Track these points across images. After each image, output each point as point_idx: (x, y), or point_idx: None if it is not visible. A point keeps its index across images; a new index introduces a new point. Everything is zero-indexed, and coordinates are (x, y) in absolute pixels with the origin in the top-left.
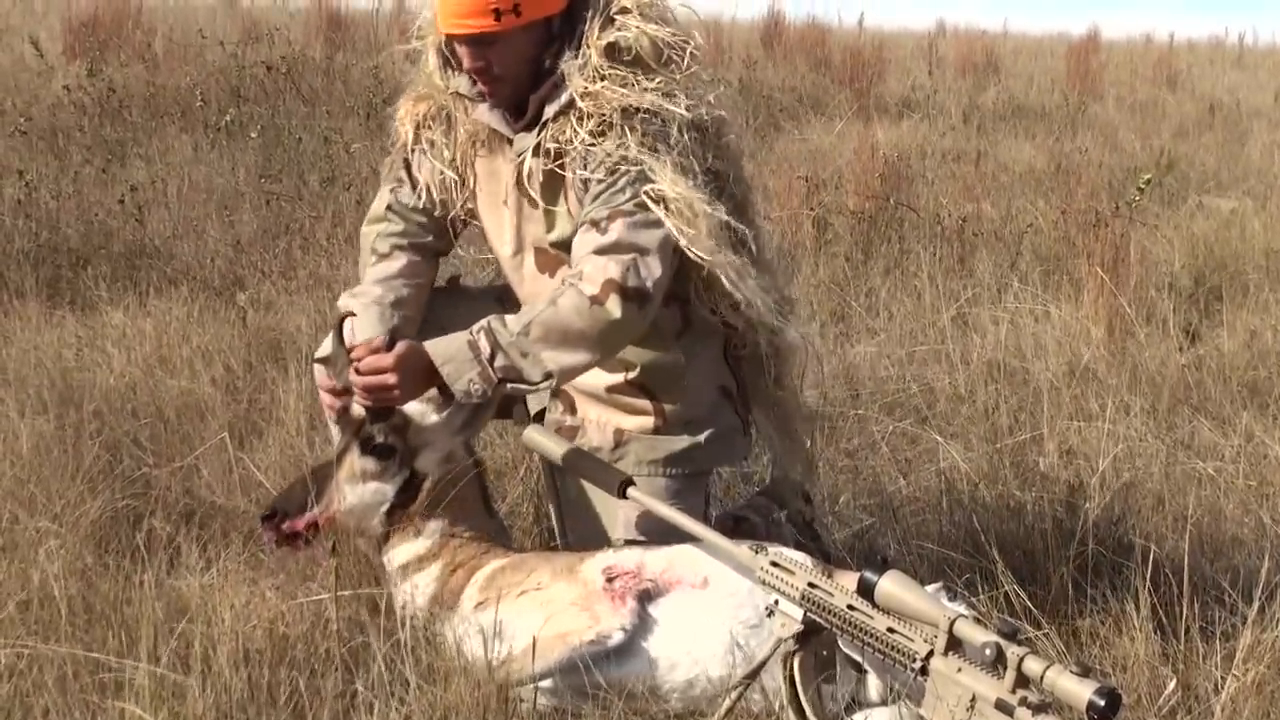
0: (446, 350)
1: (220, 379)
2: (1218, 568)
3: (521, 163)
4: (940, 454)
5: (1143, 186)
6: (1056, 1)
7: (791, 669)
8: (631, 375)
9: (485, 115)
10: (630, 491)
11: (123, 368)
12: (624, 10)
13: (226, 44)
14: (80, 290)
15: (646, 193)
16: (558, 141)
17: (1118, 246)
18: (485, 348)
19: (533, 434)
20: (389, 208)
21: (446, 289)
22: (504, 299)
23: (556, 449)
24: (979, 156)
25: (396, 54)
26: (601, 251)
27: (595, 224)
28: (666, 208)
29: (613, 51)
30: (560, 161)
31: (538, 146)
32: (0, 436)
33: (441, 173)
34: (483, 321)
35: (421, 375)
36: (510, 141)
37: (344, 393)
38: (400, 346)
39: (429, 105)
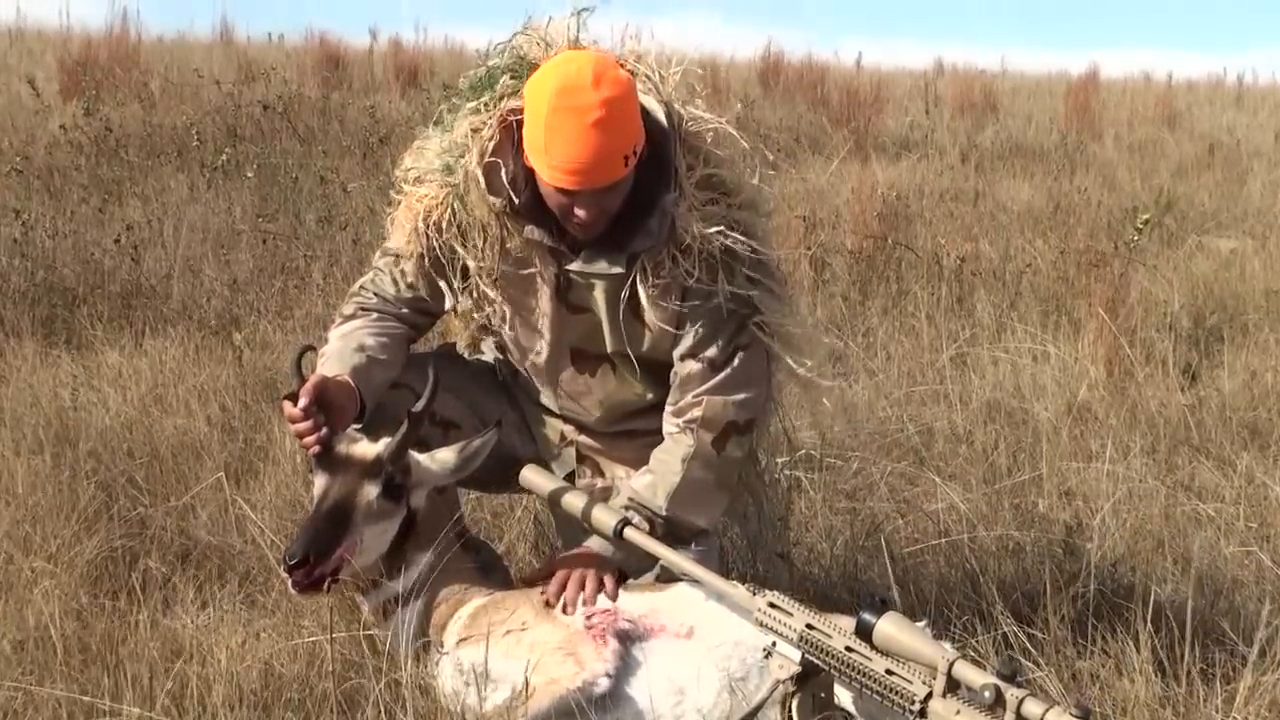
0: (609, 544)
1: (216, 418)
2: (1219, 609)
3: (590, 285)
4: (939, 495)
5: (1141, 226)
6: (1055, 41)
7: (790, 711)
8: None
9: (536, 234)
10: (627, 532)
11: (118, 407)
12: (697, 135)
13: (223, 83)
14: (76, 329)
15: (757, 324)
16: (657, 274)
17: (1117, 286)
18: (643, 526)
19: (529, 474)
20: (363, 285)
21: (444, 353)
22: (495, 370)
23: (552, 489)
24: (977, 196)
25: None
26: (717, 391)
27: (710, 362)
28: (776, 338)
29: (706, 182)
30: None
31: (632, 278)
32: None
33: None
34: (620, 502)
35: (339, 406)
36: (554, 255)
37: (314, 430)
38: (306, 388)
39: (446, 210)
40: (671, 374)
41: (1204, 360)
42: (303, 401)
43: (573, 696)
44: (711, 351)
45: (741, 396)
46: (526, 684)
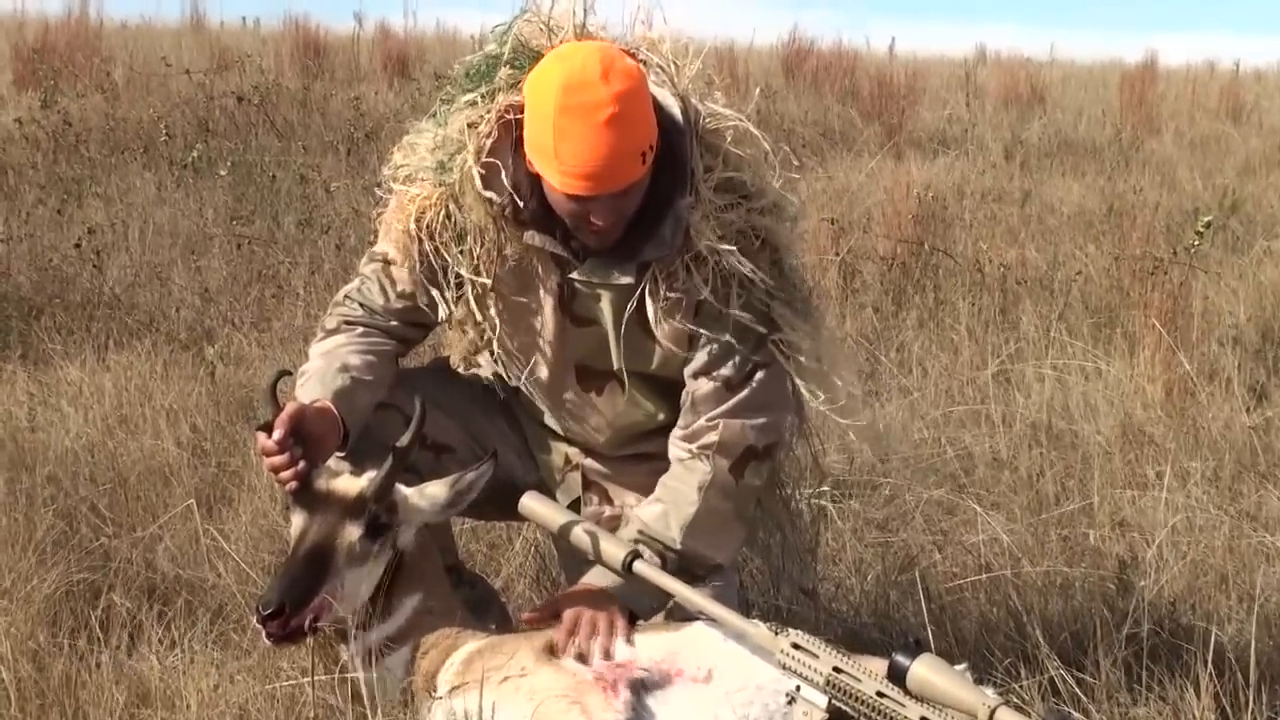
0: (615, 578)
1: (186, 440)
2: None
3: (597, 295)
4: (979, 525)
5: (1203, 230)
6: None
7: None
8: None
9: (538, 239)
10: (637, 566)
11: (79, 428)
12: (715, 134)
13: (193, 73)
14: (32, 343)
15: (775, 342)
16: (670, 286)
17: (1176, 296)
18: (654, 561)
19: (530, 502)
20: (348, 295)
21: (438, 370)
22: (494, 389)
23: (555, 519)
24: (1023, 197)
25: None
26: (734, 414)
27: (726, 382)
28: (796, 358)
29: (725, 185)
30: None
31: (642, 289)
32: None
33: (463, 294)
34: (629, 535)
35: (318, 435)
36: (557, 263)
37: (290, 464)
38: (282, 418)
39: (440, 211)
40: (683, 394)
41: (1272, 378)
42: (278, 433)
43: None
44: (727, 370)
45: (761, 420)
46: None
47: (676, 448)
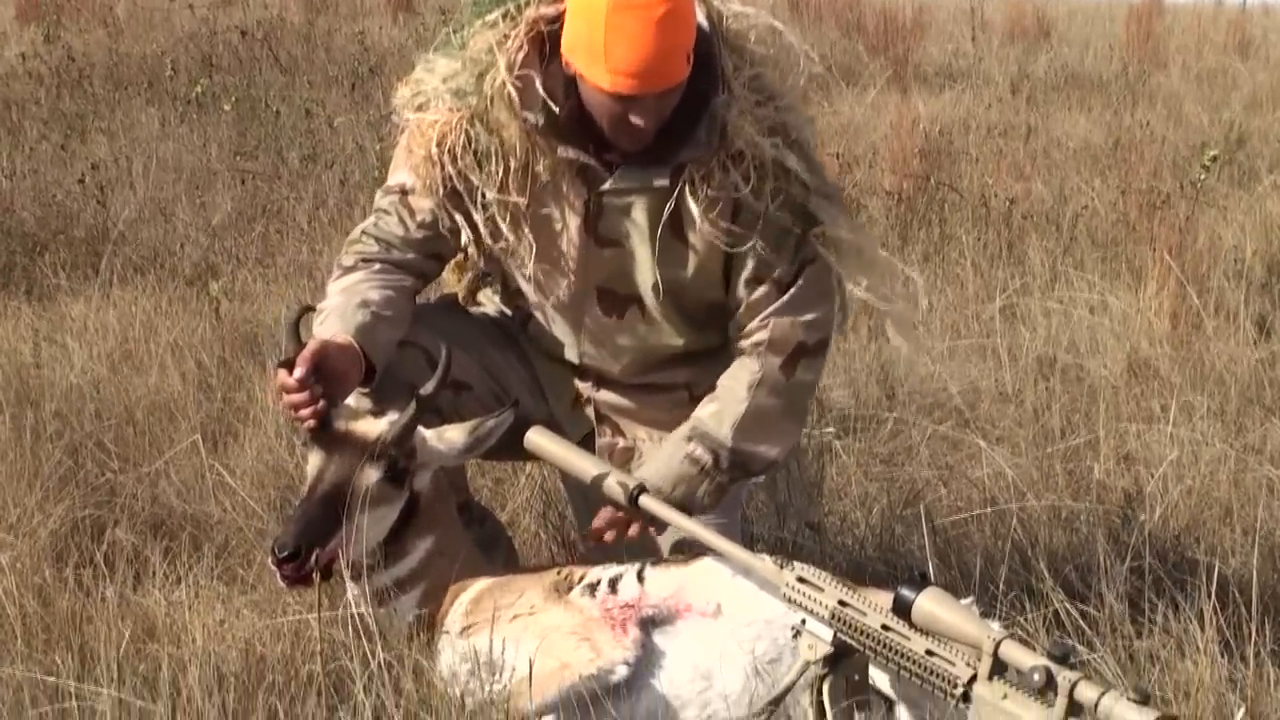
0: (668, 472)
1: (191, 376)
2: None
3: (627, 208)
4: (984, 459)
5: (1210, 164)
6: None
7: (820, 695)
8: (698, 392)
9: (572, 153)
10: (643, 500)
11: (85, 364)
12: (739, 34)
13: (197, 7)
14: (37, 279)
15: (816, 235)
16: (708, 186)
17: (1183, 230)
18: (706, 458)
19: (535, 437)
20: (365, 231)
21: (450, 305)
22: (503, 324)
23: (561, 453)
24: (1029, 131)
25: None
26: (784, 311)
27: (777, 282)
28: (837, 251)
29: (754, 84)
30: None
31: (679, 190)
32: None
33: (491, 216)
34: (682, 432)
35: (340, 372)
36: (586, 180)
37: (310, 403)
38: (304, 355)
39: (460, 135)
40: (735, 302)
41: (1278, 312)
42: (299, 371)
43: (585, 685)
44: (778, 271)
45: (810, 316)
46: (532, 668)
47: (735, 343)
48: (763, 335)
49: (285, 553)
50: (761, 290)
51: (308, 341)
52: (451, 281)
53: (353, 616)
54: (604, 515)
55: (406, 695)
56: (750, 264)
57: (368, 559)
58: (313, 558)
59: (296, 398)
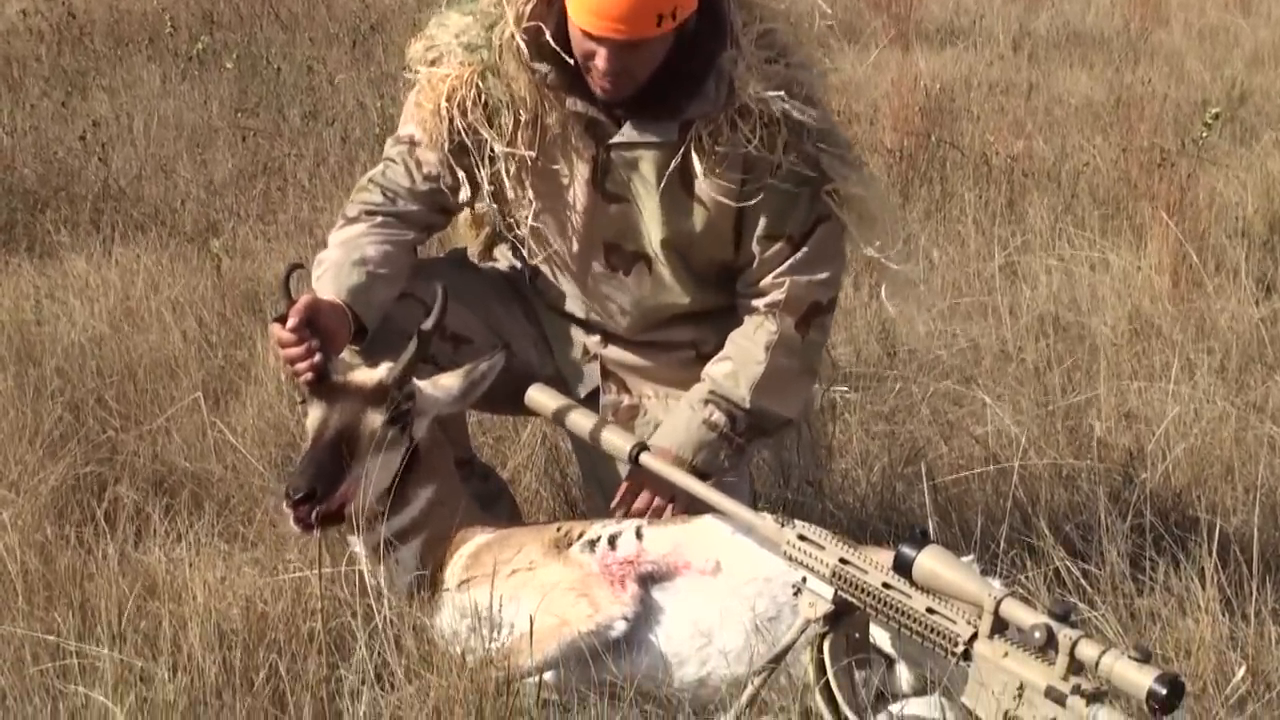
0: (688, 439)
1: (193, 334)
2: None
3: (635, 162)
4: (986, 417)
5: (1212, 121)
6: None
7: (821, 653)
8: (705, 349)
9: (580, 106)
10: (644, 458)
11: (86, 321)
12: None
13: None
14: (38, 236)
15: (829, 192)
16: (715, 142)
17: (1184, 188)
18: (723, 421)
19: (536, 394)
20: (371, 179)
21: (455, 260)
22: (512, 279)
23: (562, 411)
24: (1030, 89)
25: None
26: (799, 270)
27: (791, 239)
28: (849, 208)
29: (764, 40)
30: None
31: (686, 146)
32: None
33: (497, 171)
34: (699, 394)
35: (332, 328)
36: (594, 134)
37: (306, 356)
38: (297, 308)
39: (471, 90)
40: (747, 255)
41: (1279, 269)
42: (292, 322)
43: (584, 640)
44: (791, 228)
45: (824, 275)
46: (532, 624)
47: (744, 301)
48: (778, 295)
49: (300, 495)
50: (775, 248)
51: (299, 297)
52: (468, 237)
53: (355, 574)
54: (626, 491)
55: (408, 653)
56: (763, 220)
57: (372, 509)
58: (326, 501)
59: (293, 351)
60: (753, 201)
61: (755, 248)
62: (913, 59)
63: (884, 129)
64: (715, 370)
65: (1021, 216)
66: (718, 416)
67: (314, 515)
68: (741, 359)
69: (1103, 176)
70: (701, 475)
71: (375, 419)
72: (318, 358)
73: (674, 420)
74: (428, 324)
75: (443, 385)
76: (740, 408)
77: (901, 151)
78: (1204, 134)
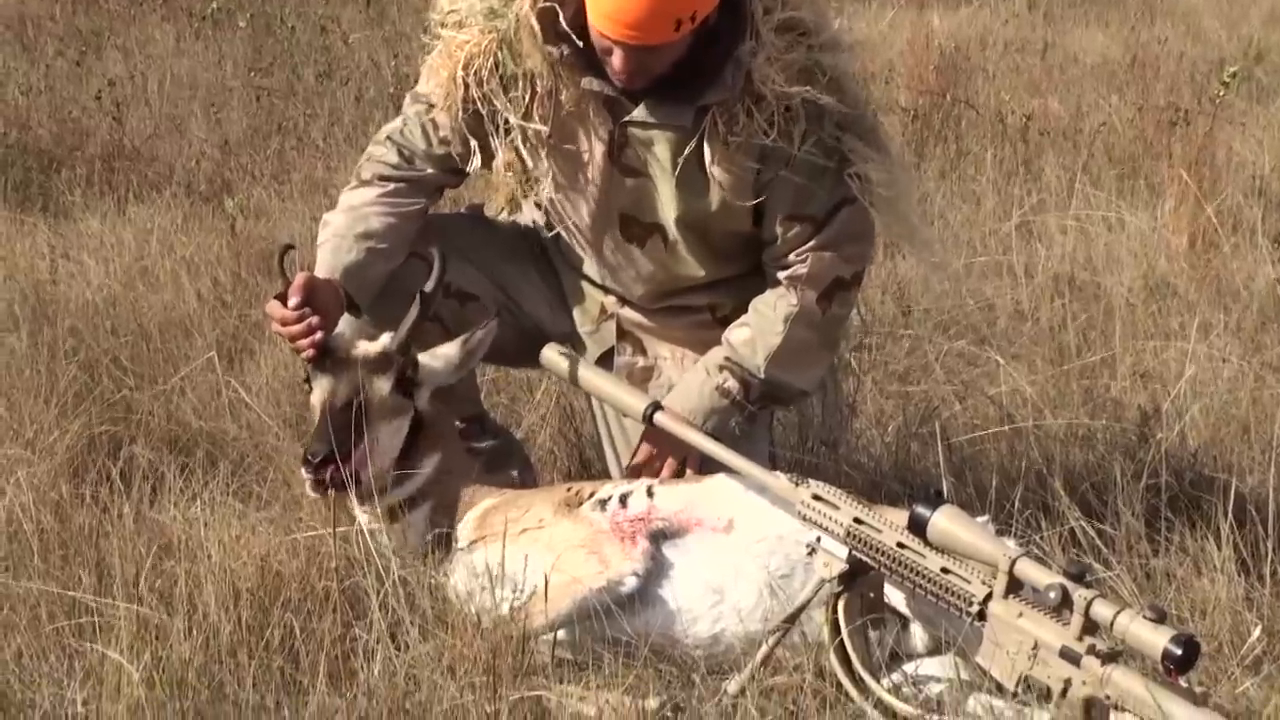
0: (699, 404)
1: (207, 293)
2: None
3: (650, 141)
4: (1000, 377)
5: (1229, 80)
6: None
7: (835, 612)
8: (722, 314)
9: (596, 85)
10: (658, 417)
11: (100, 280)
12: None
13: None
14: (53, 195)
15: (851, 175)
16: (730, 130)
17: (1201, 147)
18: (736, 389)
19: (550, 354)
20: (389, 137)
21: (469, 217)
22: (530, 236)
23: (575, 370)
24: (1046, 47)
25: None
26: (822, 247)
27: (813, 220)
28: (870, 193)
29: (785, 25)
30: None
31: (702, 132)
32: None
33: (512, 140)
34: (714, 359)
35: (328, 305)
36: (611, 110)
37: (308, 333)
38: (295, 286)
39: (488, 59)
40: (770, 234)
41: None
42: (294, 300)
43: (596, 597)
44: (812, 209)
45: (848, 252)
46: (546, 583)
47: (769, 269)
48: (800, 269)
49: (319, 458)
50: (797, 228)
51: (294, 276)
52: (496, 184)
53: (370, 534)
54: (643, 453)
55: (421, 612)
56: (784, 203)
57: (387, 474)
58: (345, 463)
59: (295, 328)
60: (771, 187)
61: (778, 229)
62: (927, 18)
63: (899, 88)
64: (734, 336)
65: (1037, 176)
66: (731, 384)
67: (337, 476)
68: (760, 328)
69: (1119, 135)
70: (714, 440)
71: (383, 386)
72: (318, 335)
73: (687, 384)
74: (428, 286)
75: (442, 355)
76: (755, 377)
77: (916, 111)
78: (1221, 93)
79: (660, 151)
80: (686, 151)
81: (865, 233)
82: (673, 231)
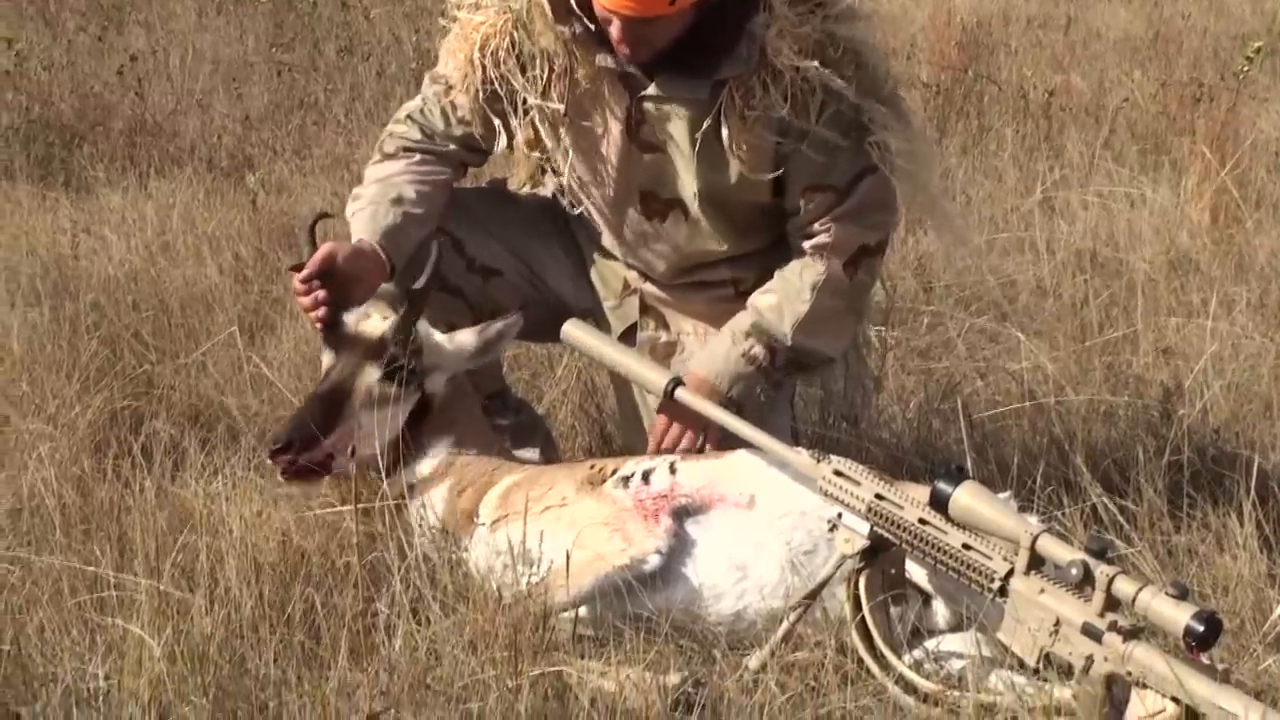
0: (725, 369)
1: (229, 268)
2: None
3: (666, 117)
4: (1022, 353)
5: (1253, 55)
6: None
7: (857, 589)
8: (744, 287)
9: (609, 62)
10: (679, 393)
11: (122, 255)
12: None
13: None
14: (75, 170)
15: (872, 143)
16: (747, 104)
17: (1224, 123)
18: (762, 355)
19: (571, 329)
20: (409, 116)
21: (492, 191)
22: (553, 210)
23: (597, 345)
24: (1068, 22)
25: None
26: (847, 216)
27: (835, 189)
28: (892, 162)
29: None
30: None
31: (718, 106)
32: None
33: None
34: (741, 325)
35: (355, 275)
36: (627, 85)
37: (315, 305)
38: (314, 259)
39: (504, 40)
40: (793, 205)
41: None
42: (305, 272)
43: (619, 575)
44: (834, 179)
45: (874, 219)
46: (568, 560)
47: (794, 238)
48: (825, 239)
49: (277, 446)
50: (819, 199)
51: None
52: (519, 160)
53: (390, 509)
54: (660, 425)
55: (443, 587)
56: (805, 174)
57: (381, 458)
58: (306, 454)
59: (304, 300)
60: (792, 159)
61: (800, 200)
62: None
63: (921, 64)
64: (760, 302)
65: (1059, 151)
66: (758, 350)
67: (294, 467)
68: (787, 295)
69: (1141, 111)
70: (736, 407)
71: (373, 373)
72: (323, 311)
73: (713, 349)
74: (419, 283)
75: (459, 341)
76: (781, 344)
77: (938, 86)
78: (1244, 68)
79: (677, 127)
80: (704, 127)
81: (888, 201)
82: (693, 206)
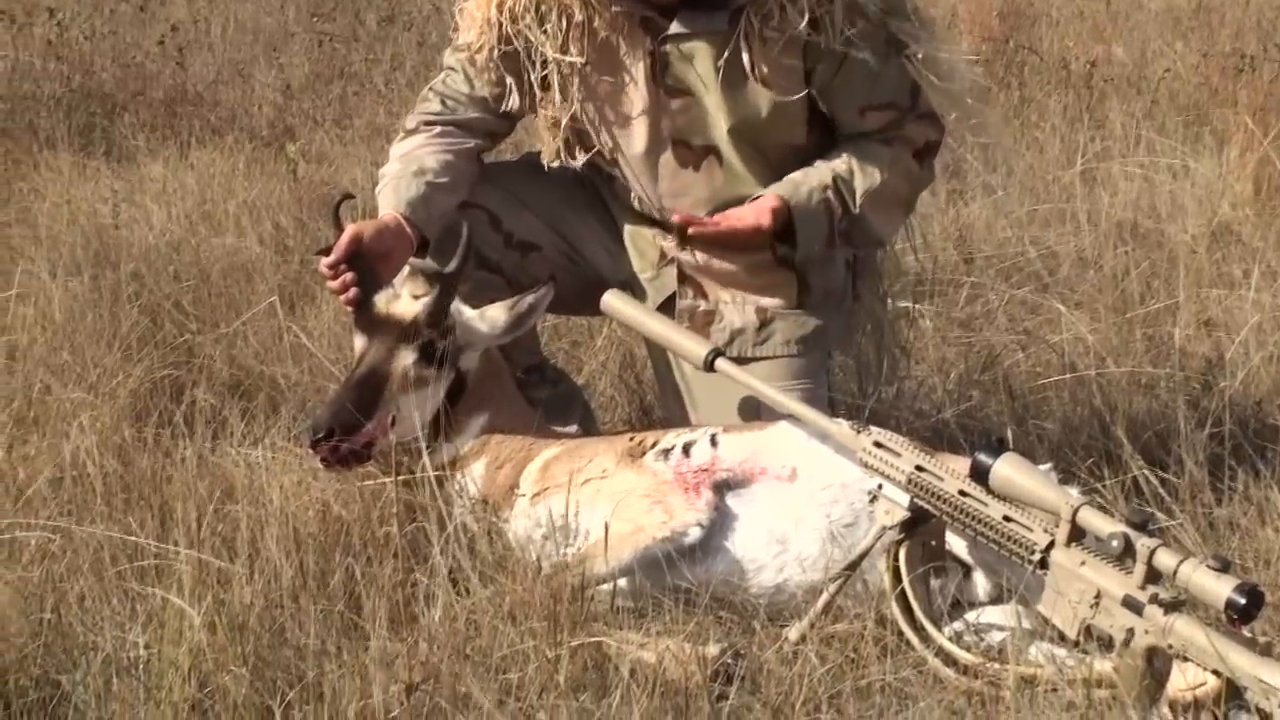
0: (805, 202)
1: (269, 237)
2: None
3: (691, 55)
4: (1063, 324)
5: None
6: None
7: (896, 560)
8: (782, 251)
9: (626, 5)
10: (719, 364)
11: (163, 225)
12: None
13: None
14: (116, 140)
15: (907, 56)
16: (766, 25)
17: (1267, 94)
18: (838, 209)
19: (611, 300)
20: (431, 89)
21: (527, 165)
22: (586, 182)
23: (636, 316)
24: None
25: None
26: (910, 124)
27: (891, 104)
28: (935, 70)
29: None
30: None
31: (739, 32)
32: (31, 300)
33: (546, 76)
34: (823, 176)
35: (384, 252)
36: (647, 29)
37: (352, 286)
38: (340, 243)
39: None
40: (849, 127)
41: None
42: (331, 257)
43: (659, 547)
44: (890, 95)
45: (934, 123)
46: (607, 531)
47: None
48: (896, 132)
49: (319, 435)
50: (878, 116)
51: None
52: (546, 139)
53: (430, 480)
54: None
55: (482, 558)
56: (857, 96)
57: (419, 440)
58: (348, 440)
59: (333, 285)
60: (835, 85)
61: (858, 119)
62: None
63: (961, 34)
64: (838, 164)
65: (1101, 123)
66: (835, 202)
67: (336, 455)
68: (866, 165)
69: (1183, 82)
70: (787, 257)
71: (408, 356)
72: (352, 293)
73: (797, 180)
74: (451, 265)
75: (489, 318)
76: (850, 209)
77: (979, 57)
78: None
79: (701, 63)
80: (726, 54)
81: (933, 110)
82: (726, 148)
